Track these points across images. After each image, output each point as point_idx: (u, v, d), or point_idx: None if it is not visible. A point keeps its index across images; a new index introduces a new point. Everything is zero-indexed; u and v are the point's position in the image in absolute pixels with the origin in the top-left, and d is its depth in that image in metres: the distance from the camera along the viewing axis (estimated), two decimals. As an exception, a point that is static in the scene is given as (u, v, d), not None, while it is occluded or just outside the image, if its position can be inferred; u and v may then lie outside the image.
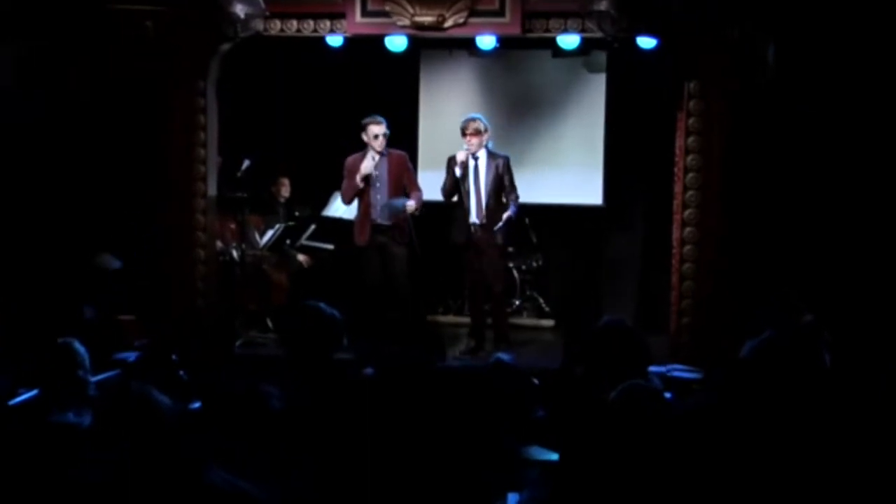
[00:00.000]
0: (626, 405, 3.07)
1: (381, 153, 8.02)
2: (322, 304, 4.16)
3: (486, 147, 8.01)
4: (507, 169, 8.02)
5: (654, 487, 2.99)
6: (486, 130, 7.94)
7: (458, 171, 7.98)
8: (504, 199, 8.02)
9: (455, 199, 8.09)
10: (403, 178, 8.12)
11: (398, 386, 3.59)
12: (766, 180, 7.50)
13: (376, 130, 7.97)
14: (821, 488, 3.30)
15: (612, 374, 3.67)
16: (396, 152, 8.18)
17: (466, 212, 7.97)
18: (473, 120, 7.95)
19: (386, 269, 8.07)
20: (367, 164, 7.96)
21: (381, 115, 8.08)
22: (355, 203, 8.20)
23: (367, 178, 7.98)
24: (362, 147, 8.07)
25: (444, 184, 8.08)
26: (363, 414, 3.55)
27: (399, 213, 8.00)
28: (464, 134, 7.91)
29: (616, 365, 3.71)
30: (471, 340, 8.17)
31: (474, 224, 7.95)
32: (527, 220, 9.65)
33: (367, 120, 8.03)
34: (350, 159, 8.11)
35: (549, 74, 9.88)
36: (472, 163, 7.97)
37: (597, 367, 3.78)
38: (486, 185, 7.96)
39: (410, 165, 8.28)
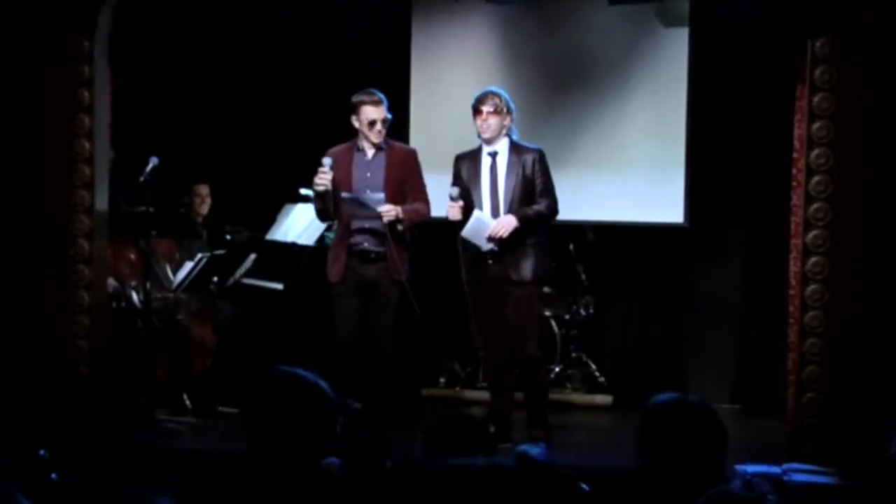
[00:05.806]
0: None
1: (378, 147, 8.02)
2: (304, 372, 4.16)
3: (510, 137, 8.01)
4: (541, 166, 7.97)
5: None
6: (508, 112, 7.95)
7: (464, 174, 8.01)
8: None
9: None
10: (406, 185, 8.12)
11: (378, 490, 3.58)
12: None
13: (373, 114, 7.93)
14: None
15: (679, 476, 3.65)
16: (400, 146, 8.26)
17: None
18: (493, 94, 7.96)
19: (366, 317, 8.06)
20: (323, 177, 7.85)
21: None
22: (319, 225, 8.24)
23: (323, 196, 7.94)
24: (339, 136, 8.08)
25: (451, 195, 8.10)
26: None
27: (367, 211, 7.89)
28: (477, 112, 7.91)
29: (682, 463, 3.70)
30: (490, 426, 8.14)
31: (488, 251, 7.91)
32: (571, 247, 9.65)
33: (359, 97, 8.00)
34: (331, 153, 8.08)
35: (605, 31, 9.95)
36: (486, 161, 7.98)
37: (659, 467, 3.77)
38: (506, 192, 7.94)
39: (419, 166, 8.24)
